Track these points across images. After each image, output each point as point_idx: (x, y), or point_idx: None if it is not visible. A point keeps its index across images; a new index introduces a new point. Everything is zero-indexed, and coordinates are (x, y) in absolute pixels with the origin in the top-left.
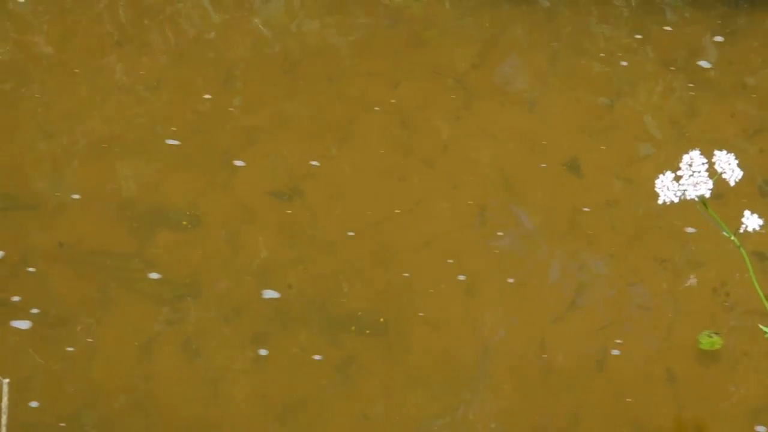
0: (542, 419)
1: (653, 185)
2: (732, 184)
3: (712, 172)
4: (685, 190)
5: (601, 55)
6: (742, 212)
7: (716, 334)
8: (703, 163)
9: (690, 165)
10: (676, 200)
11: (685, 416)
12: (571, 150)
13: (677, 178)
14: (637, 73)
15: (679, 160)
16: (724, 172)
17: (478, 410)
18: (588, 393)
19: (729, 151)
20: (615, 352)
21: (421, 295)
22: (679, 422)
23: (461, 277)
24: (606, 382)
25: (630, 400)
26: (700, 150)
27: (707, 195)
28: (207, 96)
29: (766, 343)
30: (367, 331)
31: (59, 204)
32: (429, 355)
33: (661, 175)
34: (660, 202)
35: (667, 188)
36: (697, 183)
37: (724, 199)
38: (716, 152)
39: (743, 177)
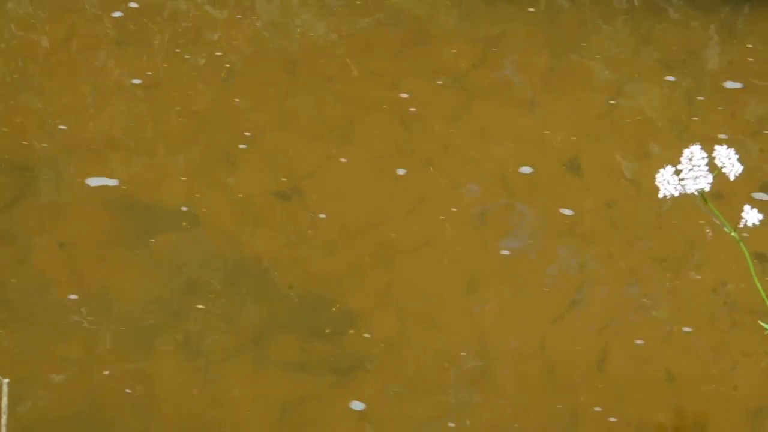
0: (542, 419)
1: (653, 185)
2: (732, 178)
3: (712, 167)
4: (684, 184)
5: (602, 54)
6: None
7: None
8: (703, 158)
9: (690, 159)
10: (677, 194)
11: (685, 416)
12: (571, 150)
13: (677, 173)
14: (637, 72)
15: (680, 159)
16: (724, 167)
17: (479, 410)
18: (588, 393)
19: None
20: (615, 352)
21: (420, 295)
22: (679, 422)
23: (461, 277)
24: (606, 382)
25: (630, 400)
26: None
27: (707, 189)
28: (207, 96)
29: (766, 342)
30: (367, 332)
31: (59, 204)
32: (429, 355)
33: (661, 169)
34: (660, 196)
35: (667, 182)
36: (697, 177)
37: (724, 199)
38: (716, 147)
39: (744, 177)
